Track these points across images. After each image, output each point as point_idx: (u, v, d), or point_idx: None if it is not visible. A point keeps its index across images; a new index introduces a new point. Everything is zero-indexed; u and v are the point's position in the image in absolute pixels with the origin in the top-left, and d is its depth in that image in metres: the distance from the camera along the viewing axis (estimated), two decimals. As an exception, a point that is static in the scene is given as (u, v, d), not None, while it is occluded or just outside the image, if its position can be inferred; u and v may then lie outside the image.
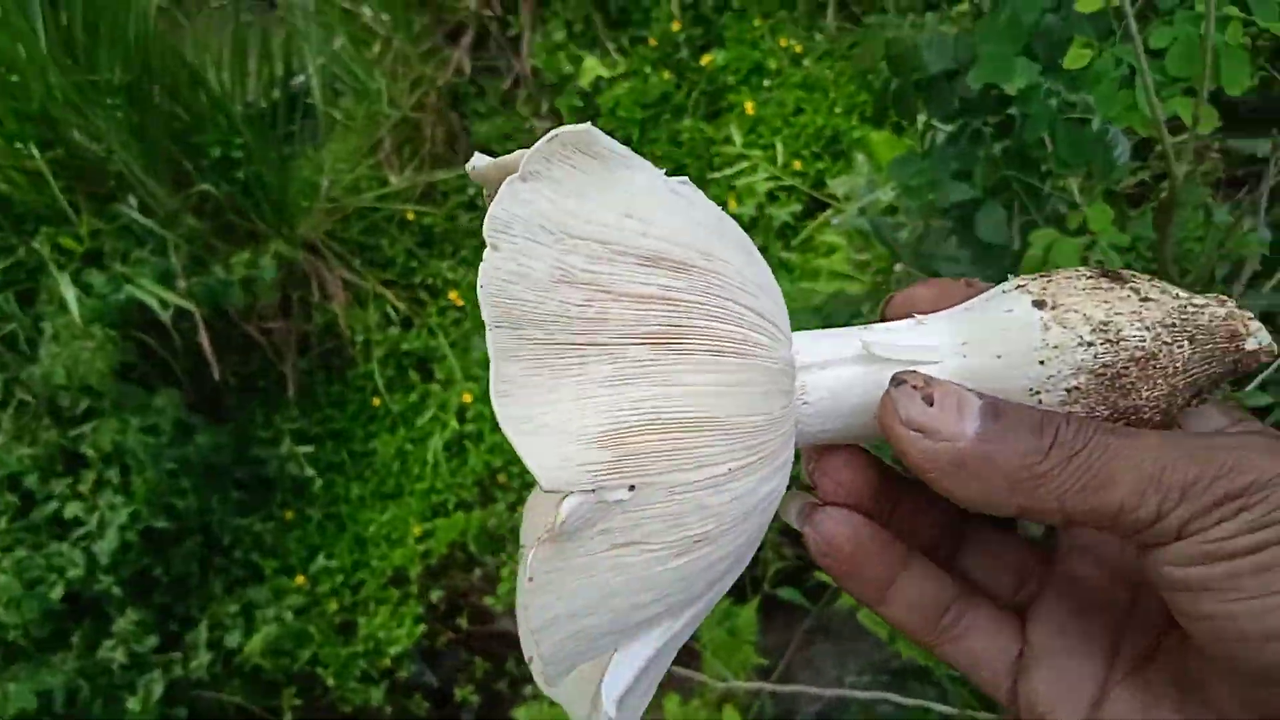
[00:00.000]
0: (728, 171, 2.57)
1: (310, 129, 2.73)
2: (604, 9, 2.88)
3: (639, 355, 0.29)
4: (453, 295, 2.44)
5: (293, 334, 2.42)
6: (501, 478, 2.25)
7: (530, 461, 0.27)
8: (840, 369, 0.35)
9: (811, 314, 1.45)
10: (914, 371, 0.33)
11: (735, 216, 2.54)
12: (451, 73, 2.83)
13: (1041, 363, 0.33)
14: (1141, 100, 0.77)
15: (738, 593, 1.97)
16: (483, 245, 0.29)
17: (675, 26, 2.82)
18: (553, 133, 0.30)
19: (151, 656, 2.02)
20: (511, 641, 2.27)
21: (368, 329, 2.43)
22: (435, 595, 2.22)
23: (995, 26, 0.84)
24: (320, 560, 2.24)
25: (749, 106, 2.68)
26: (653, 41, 2.84)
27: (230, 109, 2.39)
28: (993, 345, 0.34)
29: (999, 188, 0.96)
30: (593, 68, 2.81)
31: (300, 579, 2.22)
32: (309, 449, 2.32)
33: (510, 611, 2.28)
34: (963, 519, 0.39)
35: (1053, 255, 0.81)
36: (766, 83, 2.73)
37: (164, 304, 2.11)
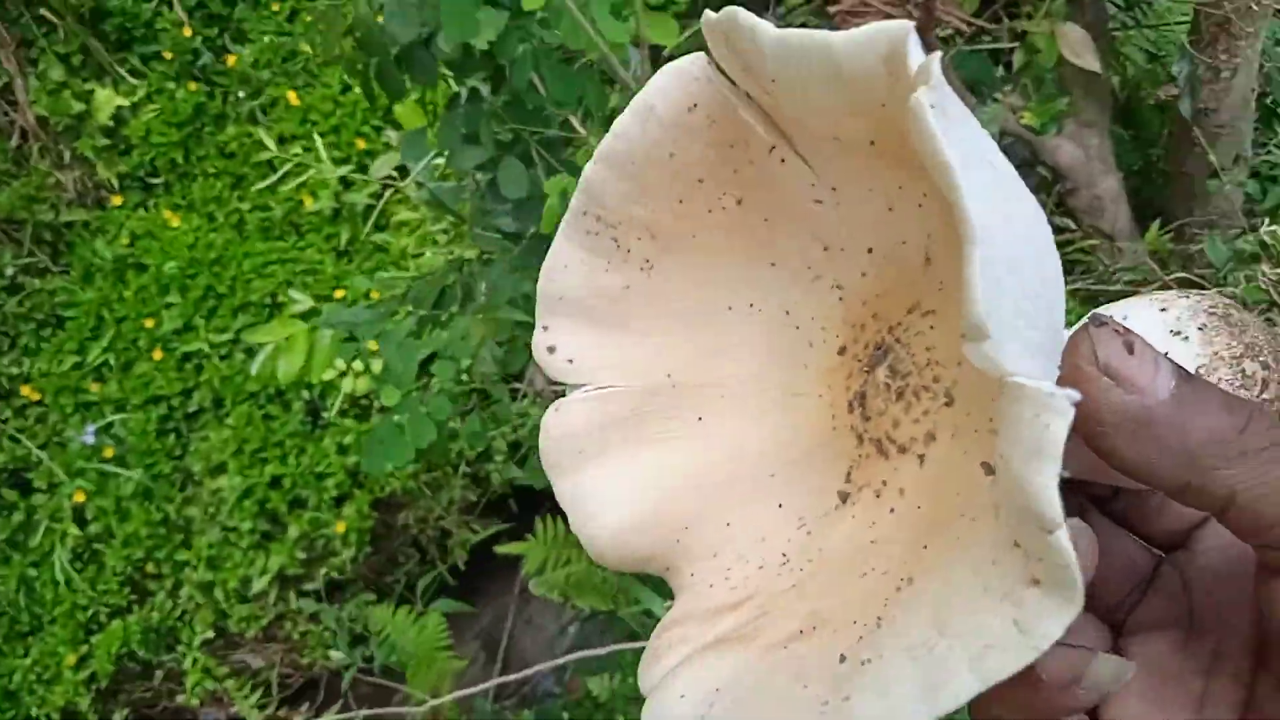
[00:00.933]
0: (288, 169, 2.41)
1: None
2: (100, 33, 2.59)
3: None
4: (26, 391, 2.14)
5: None
6: (149, 567, 2.03)
7: None
8: None
9: (399, 302, 1.38)
10: (1111, 317, 0.29)
11: (314, 213, 2.37)
12: (-56, 146, 2.46)
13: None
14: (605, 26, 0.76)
15: (411, 602, 1.91)
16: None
17: (186, 32, 2.59)
18: None
19: None
20: (222, 729, 2.09)
21: (-66, 463, 2.10)
22: (119, 717, 1.99)
23: (445, -18, 0.79)
24: (-31, 734, 1.95)
25: (292, 96, 2.52)
26: (167, 54, 2.59)
27: None
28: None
29: (515, 142, 0.93)
30: (108, 99, 2.53)
31: (-48, 763, 1.92)
32: (-90, 618, 1.99)
33: (214, 697, 2.10)
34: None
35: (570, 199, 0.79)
36: (304, 68, 2.58)
37: None
